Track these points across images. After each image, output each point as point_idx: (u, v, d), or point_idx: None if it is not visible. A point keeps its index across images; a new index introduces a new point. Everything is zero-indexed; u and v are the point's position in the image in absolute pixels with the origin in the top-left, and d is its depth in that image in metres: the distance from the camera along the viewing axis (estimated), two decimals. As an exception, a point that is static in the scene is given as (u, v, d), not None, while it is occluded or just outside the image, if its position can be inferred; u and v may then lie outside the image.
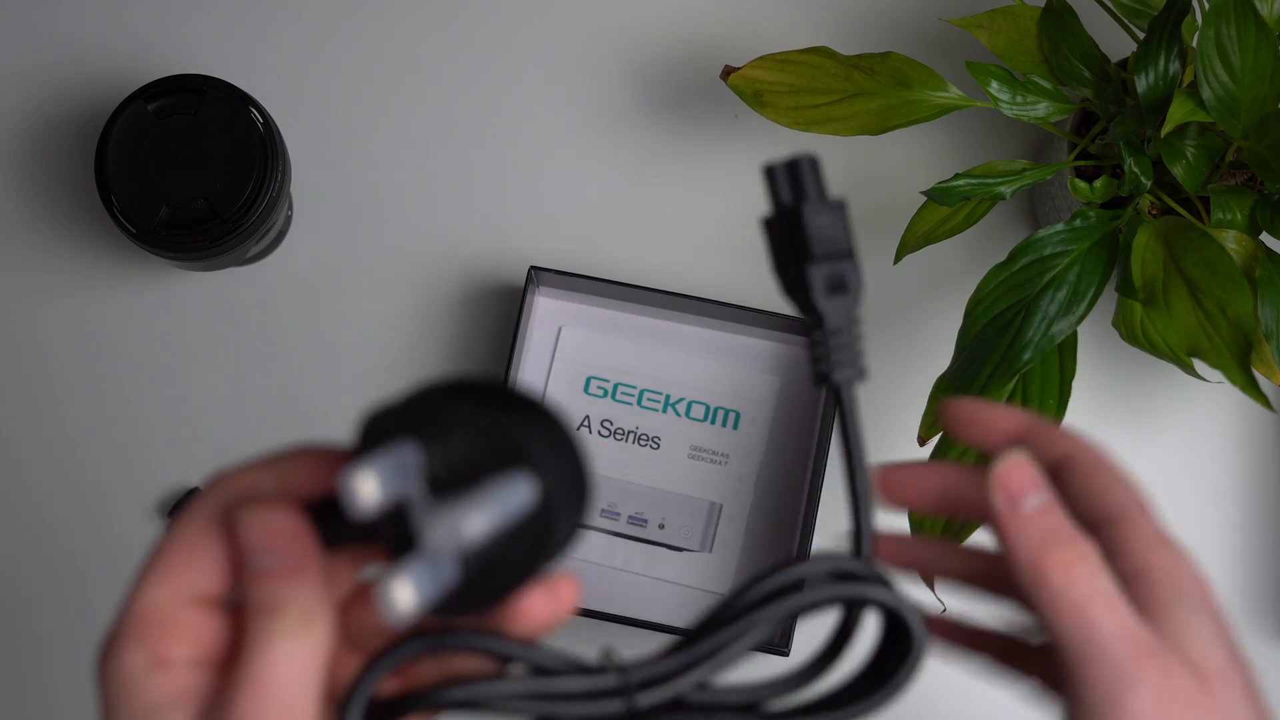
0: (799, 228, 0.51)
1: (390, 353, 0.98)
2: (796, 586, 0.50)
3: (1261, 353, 0.85)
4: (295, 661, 0.45)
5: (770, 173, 0.53)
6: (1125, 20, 0.87)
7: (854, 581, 0.50)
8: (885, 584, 0.50)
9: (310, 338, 0.98)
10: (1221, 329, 0.79)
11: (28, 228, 0.98)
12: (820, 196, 0.52)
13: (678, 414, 0.96)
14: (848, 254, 0.52)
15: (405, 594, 0.43)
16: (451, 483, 0.44)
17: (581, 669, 0.48)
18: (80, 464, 0.97)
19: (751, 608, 0.49)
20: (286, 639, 0.45)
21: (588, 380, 0.96)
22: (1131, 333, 0.86)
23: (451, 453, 0.44)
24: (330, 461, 0.48)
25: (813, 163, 0.53)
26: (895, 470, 0.53)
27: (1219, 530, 0.97)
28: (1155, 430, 0.98)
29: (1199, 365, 0.88)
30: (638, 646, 0.96)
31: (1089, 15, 0.94)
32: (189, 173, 0.89)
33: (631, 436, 0.96)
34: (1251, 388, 0.79)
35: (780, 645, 0.92)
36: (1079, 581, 0.48)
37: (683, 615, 0.94)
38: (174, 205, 0.89)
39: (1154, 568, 0.48)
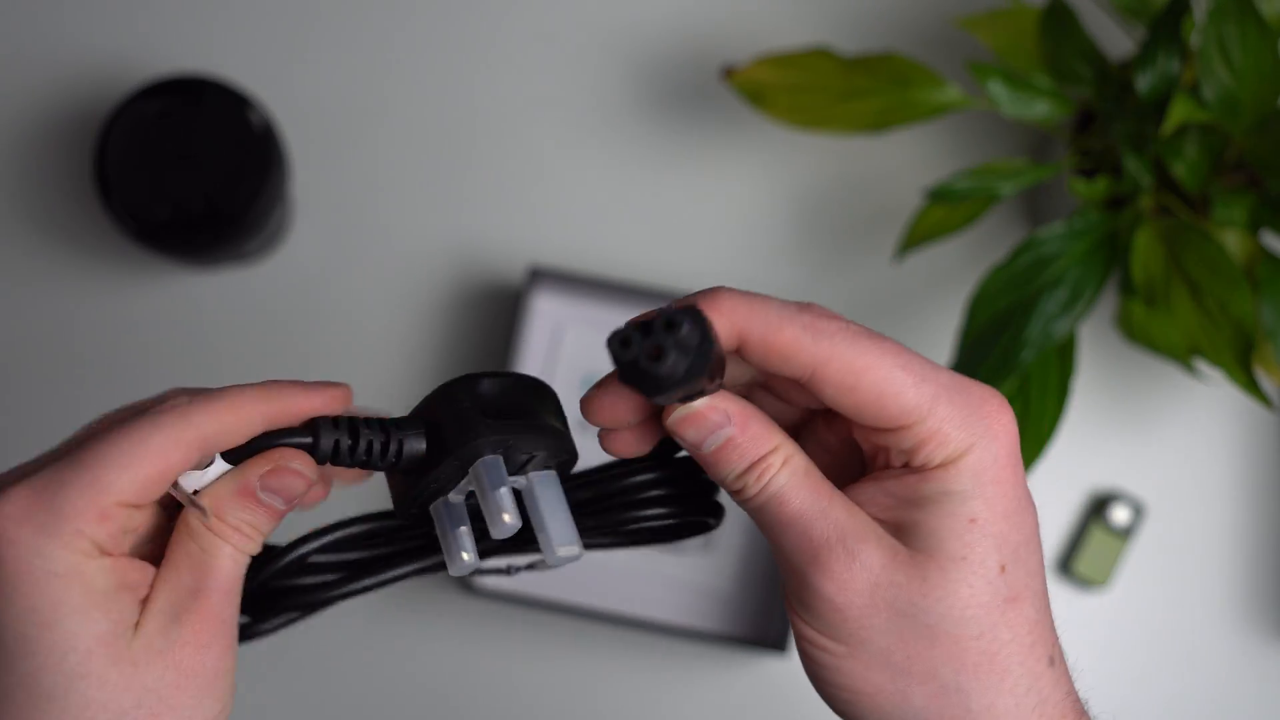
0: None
1: (389, 353, 0.98)
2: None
3: (1262, 352, 0.85)
4: (239, 568, 0.50)
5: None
6: (1125, 20, 0.87)
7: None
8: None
9: (310, 338, 0.98)
10: (1222, 328, 0.79)
11: (27, 227, 0.98)
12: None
13: (678, 414, 0.96)
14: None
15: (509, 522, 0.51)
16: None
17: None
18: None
19: None
20: (242, 558, 0.50)
21: (588, 380, 0.96)
22: (1132, 333, 0.86)
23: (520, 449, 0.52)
24: (305, 398, 0.51)
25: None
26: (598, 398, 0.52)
27: (1219, 530, 0.97)
28: (1155, 430, 0.98)
29: (1200, 365, 0.88)
30: (636, 646, 0.96)
31: (1089, 15, 0.94)
32: (189, 172, 0.89)
33: (631, 436, 0.96)
34: (1252, 387, 0.79)
35: (777, 644, 0.92)
36: (761, 489, 0.50)
37: (683, 615, 0.94)
38: (174, 205, 0.89)
39: (933, 468, 0.49)
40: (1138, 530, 0.97)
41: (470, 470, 0.51)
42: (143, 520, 0.50)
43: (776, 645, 0.92)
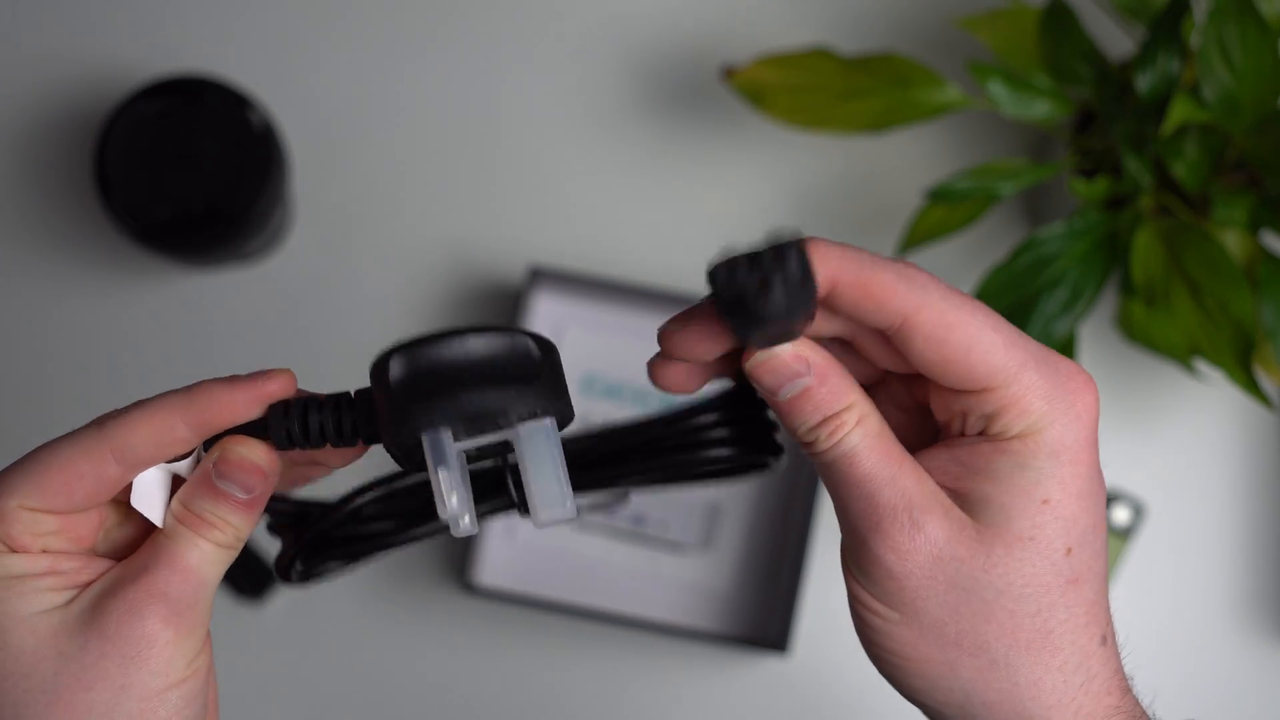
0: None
1: (390, 353, 0.98)
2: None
3: (1262, 352, 0.85)
4: (214, 565, 0.50)
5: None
6: (1125, 20, 0.88)
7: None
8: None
9: (310, 338, 0.98)
10: (1222, 328, 0.79)
11: (28, 227, 0.98)
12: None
13: (678, 414, 0.96)
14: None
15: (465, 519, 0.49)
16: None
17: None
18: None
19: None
20: (210, 546, 0.50)
21: (588, 380, 0.96)
22: (1132, 333, 0.86)
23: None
24: (232, 394, 0.51)
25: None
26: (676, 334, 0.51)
27: (1219, 530, 0.97)
28: (1155, 430, 0.98)
29: (1200, 365, 0.88)
30: (636, 646, 0.96)
31: (1089, 15, 0.94)
32: (189, 173, 0.89)
33: (631, 436, 0.96)
34: (1252, 387, 0.79)
35: (779, 643, 0.92)
36: (832, 446, 0.50)
37: (683, 615, 0.94)
38: (174, 205, 0.89)
39: (1010, 438, 0.49)
40: (1138, 530, 0.97)
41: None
42: (124, 522, 0.51)
43: (776, 645, 0.92)
